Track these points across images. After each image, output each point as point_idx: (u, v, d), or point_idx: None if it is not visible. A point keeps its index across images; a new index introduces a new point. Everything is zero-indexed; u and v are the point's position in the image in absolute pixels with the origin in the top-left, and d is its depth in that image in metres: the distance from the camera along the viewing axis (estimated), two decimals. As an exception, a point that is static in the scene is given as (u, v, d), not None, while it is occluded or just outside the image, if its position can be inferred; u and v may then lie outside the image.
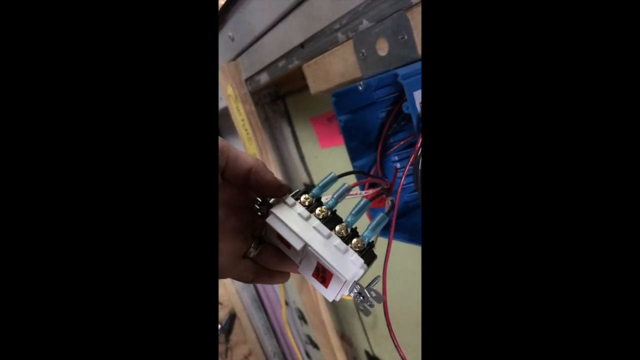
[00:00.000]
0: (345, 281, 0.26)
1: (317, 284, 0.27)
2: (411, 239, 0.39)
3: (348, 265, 0.26)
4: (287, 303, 1.31)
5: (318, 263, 0.27)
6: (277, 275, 0.32)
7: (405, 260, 0.59)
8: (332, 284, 0.26)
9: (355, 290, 0.26)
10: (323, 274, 0.27)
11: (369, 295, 0.26)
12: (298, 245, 0.26)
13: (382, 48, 0.37)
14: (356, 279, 0.26)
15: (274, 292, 1.38)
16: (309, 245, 0.26)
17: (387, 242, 0.31)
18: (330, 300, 0.27)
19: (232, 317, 1.61)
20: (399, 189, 0.33)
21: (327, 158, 0.71)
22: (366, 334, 0.88)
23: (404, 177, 0.32)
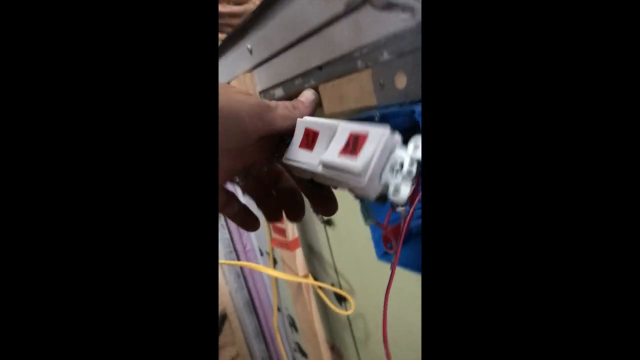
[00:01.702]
0: (382, 134, 0.23)
1: (345, 161, 0.24)
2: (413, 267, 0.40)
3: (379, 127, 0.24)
4: (279, 309, 1.31)
5: (350, 134, 0.25)
6: (251, 220, 0.34)
7: (402, 284, 0.60)
8: (364, 148, 0.23)
9: (389, 153, 0.23)
10: (354, 143, 0.24)
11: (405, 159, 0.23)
12: (333, 125, 0.26)
13: (401, 81, 0.39)
14: (389, 132, 0.23)
15: (267, 297, 1.39)
16: (340, 126, 0.26)
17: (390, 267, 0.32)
18: (361, 166, 0.22)
19: (223, 318, 1.61)
20: (404, 229, 0.34)
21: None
22: (357, 349, 0.89)
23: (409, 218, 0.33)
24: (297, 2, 0.51)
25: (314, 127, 0.27)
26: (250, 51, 0.68)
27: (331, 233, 0.79)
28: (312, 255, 0.88)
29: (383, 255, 0.47)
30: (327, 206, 0.33)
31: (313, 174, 0.27)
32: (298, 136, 0.28)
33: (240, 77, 0.70)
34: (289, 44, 0.56)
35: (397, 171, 0.23)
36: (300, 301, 0.82)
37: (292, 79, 0.59)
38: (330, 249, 0.81)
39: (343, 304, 0.84)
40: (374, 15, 0.39)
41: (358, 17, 0.41)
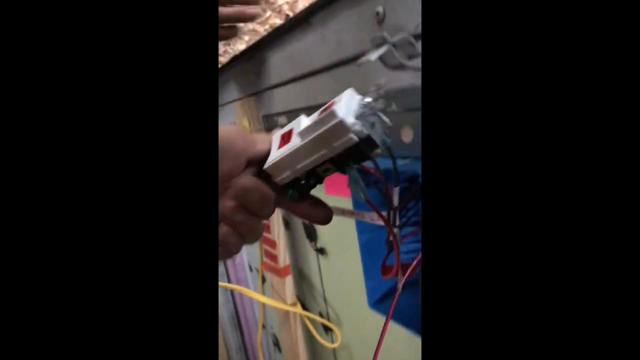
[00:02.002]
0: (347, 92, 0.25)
1: (320, 115, 0.25)
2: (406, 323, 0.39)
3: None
4: (264, 326, 1.30)
5: (321, 109, 0.26)
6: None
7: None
8: (335, 104, 0.25)
9: (358, 100, 0.25)
10: (326, 108, 0.26)
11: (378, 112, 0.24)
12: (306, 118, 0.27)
13: (407, 135, 0.38)
14: (353, 90, 0.25)
15: (253, 313, 1.37)
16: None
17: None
18: (336, 108, 0.24)
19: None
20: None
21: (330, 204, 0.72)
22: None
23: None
24: (310, 37, 0.51)
25: (288, 128, 0.28)
26: (258, 76, 0.67)
27: (323, 262, 0.78)
28: (302, 280, 0.87)
29: (375, 304, 0.46)
30: (317, 211, 0.30)
31: (294, 164, 0.26)
32: (275, 144, 0.28)
33: (245, 102, 0.69)
34: (299, 77, 0.56)
35: (369, 112, 0.25)
36: (286, 328, 0.81)
37: (297, 110, 0.58)
38: (321, 278, 0.80)
39: (329, 334, 0.83)
40: (386, 70, 0.38)
41: (369, 66, 0.41)
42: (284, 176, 0.27)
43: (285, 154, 0.26)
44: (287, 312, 0.79)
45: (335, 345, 0.75)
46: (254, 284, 1.31)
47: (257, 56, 0.66)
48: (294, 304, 0.79)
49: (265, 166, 0.28)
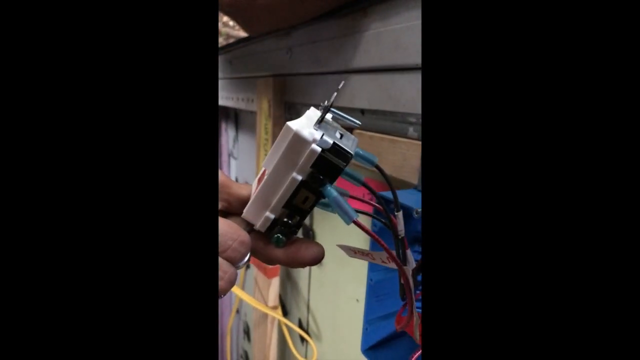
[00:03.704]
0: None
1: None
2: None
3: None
4: (238, 312, 1.25)
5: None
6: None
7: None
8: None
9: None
10: None
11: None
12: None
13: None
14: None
15: (230, 296, 1.32)
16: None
17: None
18: (294, 127, 0.22)
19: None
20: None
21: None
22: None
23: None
24: (363, 30, 0.43)
25: (262, 169, 0.26)
26: (290, 54, 0.60)
27: (315, 270, 0.72)
28: (288, 282, 0.81)
29: (367, 350, 0.40)
30: (307, 252, 0.26)
31: (268, 199, 0.24)
32: (254, 191, 0.26)
33: (270, 81, 0.62)
34: (338, 70, 0.48)
35: (333, 123, 0.25)
36: (261, 329, 0.75)
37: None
38: (309, 286, 0.74)
39: (305, 344, 0.77)
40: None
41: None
42: (262, 219, 0.25)
43: (257, 191, 0.24)
44: (265, 314, 0.73)
45: (309, 361, 0.69)
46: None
47: (295, 34, 0.58)
48: (274, 307, 0.73)
49: (243, 214, 0.25)
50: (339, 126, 0.25)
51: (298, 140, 0.22)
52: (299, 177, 0.23)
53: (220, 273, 0.23)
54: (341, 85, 0.24)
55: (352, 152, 0.22)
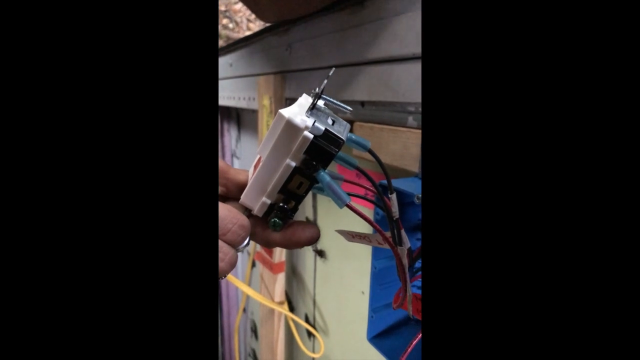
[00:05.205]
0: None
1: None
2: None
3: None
4: (245, 310, 1.26)
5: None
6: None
7: None
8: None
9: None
10: None
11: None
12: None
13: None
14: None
15: (236, 295, 1.33)
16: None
17: None
18: (287, 115, 0.23)
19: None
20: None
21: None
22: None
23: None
24: (361, 22, 0.44)
25: (257, 157, 0.27)
26: (289, 51, 0.60)
27: (321, 265, 0.72)
28: (294, 277, 0.82)
29: (373, 339, 0.41)
30: (303, 233, 0.27)
31: (264, 186, 0.25)
32: (250, 177, 0.27)
33: (271, 78, 0.63)
34: (337, 64, 0.49)
35: (325, 110, 0.25)
36: (269, 325, 0.76)
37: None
38: (315, 280, 0.74)
39: (312, 339, 0.78)
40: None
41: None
42: (259, 204, 0.25)
43: (253, 178, 0.25)
44: (272, 310, 0.74)
45: (317, 355, 0.70)
46: (242, 266, 1.27)
47: (294, 30, 0.59)
48: (281, 303, 0.73)
49: (241, 200, 0.26)
50: (331, 112, 0.25)
51: (291, 128, 0.22)
52: (293, 164, 0.23)
53: (220, 255, 0.24)
54: (331, 72, 0.25)
55: (343, 138, 0.23)
